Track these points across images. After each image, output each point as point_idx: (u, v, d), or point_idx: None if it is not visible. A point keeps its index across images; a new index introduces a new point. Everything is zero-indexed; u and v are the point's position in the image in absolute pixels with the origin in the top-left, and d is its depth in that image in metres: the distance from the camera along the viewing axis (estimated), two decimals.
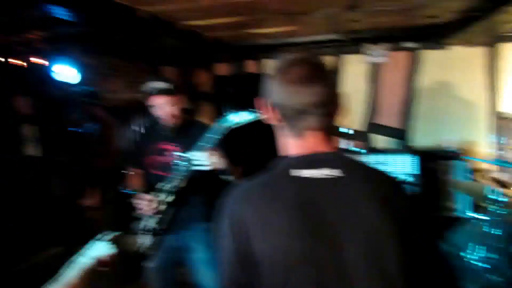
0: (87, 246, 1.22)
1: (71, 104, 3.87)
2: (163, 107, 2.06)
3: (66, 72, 3.94)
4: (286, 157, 0.96)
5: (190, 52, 4.83)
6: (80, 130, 3.52)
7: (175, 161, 2.07)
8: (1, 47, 3.59)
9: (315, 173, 0.88)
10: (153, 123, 2.29)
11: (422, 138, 4.46)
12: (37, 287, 3.04)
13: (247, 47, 4.78)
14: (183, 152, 2.07)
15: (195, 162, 1.91)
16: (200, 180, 2.14)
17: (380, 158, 3.87)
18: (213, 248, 2.11)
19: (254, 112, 1.80)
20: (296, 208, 0.85)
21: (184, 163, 1.99)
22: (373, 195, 0.87)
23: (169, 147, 2.18)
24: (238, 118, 1.85)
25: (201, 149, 1.90)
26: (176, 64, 5.57)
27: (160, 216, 2.13)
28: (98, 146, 3.36)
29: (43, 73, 3.89)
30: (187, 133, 2.16)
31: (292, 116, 0.93)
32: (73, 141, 3.81)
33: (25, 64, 3.75)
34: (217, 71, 5.43)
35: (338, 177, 0.88)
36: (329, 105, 0.93)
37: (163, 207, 2.11)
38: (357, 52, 4.60)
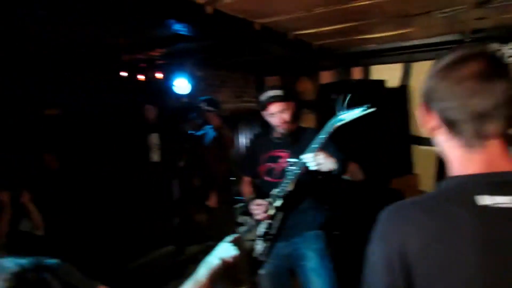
0: (216, 247, 1.28)
1: (190, 110, 4.20)
2: (278, 114, 2.11)
3: (181, 84, 4.26)
4: (458, 176, 0.78)
5: (295, 61, 4.86)
6: (198, 133, 3.76)
7: (288, 167, 2.11)
8: (128, 65, 4.04)
9: (506, 201, 0.69)
10: (265, 131, 2.37)
11: None
12: (149, 283, 3.33)
13: (353, 54, 4.63)
14: (298, 158, 2.09)
15: (305, 164, 1.91)
16: (309, 184, 2.17)
17: None
18: (324, 256, 2.15)
19: (364, 108, 1.77)
20: (480, 248, 0.68)
21: (295, 167, 2.00)
22: None
23: (282, 153, 2.22)
24: (348, 115, 1.82)
25: (311, 150, 1.89)
26: (281, 73, 5.67)
27: (270, 221, 2.17)
28: (215, 152, 3.55)
29: (162, 86, 4.27)
30: (299, 139, 2.19)
31: (465, 122, 0.76)
32: (192, 147, 4.11)
33: (147, 78, 4.15)
34: (322, 79, 5.36)
35: None
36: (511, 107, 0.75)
37: (273, 212, 2.14)
38: None
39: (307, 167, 1.90)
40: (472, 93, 0.74)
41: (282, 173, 2.16)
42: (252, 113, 5.70)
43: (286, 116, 2.12)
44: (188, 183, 4.37)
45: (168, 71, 4.35)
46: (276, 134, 2.25)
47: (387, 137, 4.14)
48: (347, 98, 1.80)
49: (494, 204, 0.70)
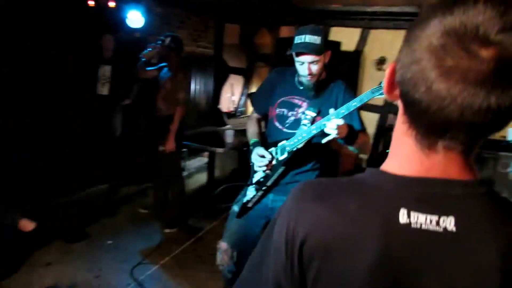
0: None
1: (143, 46, 3.93)
2: (308, 65, 1.88)
3: (135, 17, 3.99)
4: (394, 176, 0.60)
5: (258, 11, 4.72)
6: (153, 68, 3.54)
7: (305, 120, 1.96)
8: None
9: (431, 221, 0.56)
10: (288, 71, 2.11)
11: None
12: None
13: (316, 12, 4.58)
14: (316, 112, 1.95)
15: (327, 128, 1.73)
16: (318, 146, 2.00)
17: None
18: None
19: None
20: (382, 266, 0.57)
21: (314, 127, 1.84)
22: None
23: (301, 102, 2.04)
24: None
25: (338, 115, 1.73)
26: (242, 22, 5.49)
27: (268, 172, 2.05)
28: (168, 93, 3.38)
29: (114, 16, 3.97)
30: (322, 91, 2.02)
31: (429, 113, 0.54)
32: (143, 85, 3.92)
33: (97, 4, 3.83)
34: (281, 34, 5.28)
35: (452, 232, 0.55)
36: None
37: (274, 163, 2.02)
38: None
39: (328, 132, 1.75)
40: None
41: (295, 123, 2.02)
42: (207, 59, 5.54)
43: (316, 68, 1.91)
44: (134, 122, 4.22)
45: (121, 1, 4.03)
46: (300, 81, 2.03)
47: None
48: (386, 61, 1.71)
49: (416, 224, 0.56)
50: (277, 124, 2.06)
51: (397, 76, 0.57)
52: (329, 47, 1.93)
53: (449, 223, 0.55)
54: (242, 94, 5.92)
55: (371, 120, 4.84)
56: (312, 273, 0.62)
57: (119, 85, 3.75)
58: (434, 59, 0.50)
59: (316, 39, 1.84)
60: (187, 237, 3.38)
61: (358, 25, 4.70)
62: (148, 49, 3.40)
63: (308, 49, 1.83)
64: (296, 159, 1.98)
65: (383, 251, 0.57)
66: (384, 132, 4.80)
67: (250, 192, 2.12)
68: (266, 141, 2.10)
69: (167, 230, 3.47)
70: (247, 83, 5.81)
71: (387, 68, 0.61)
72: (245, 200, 2.12)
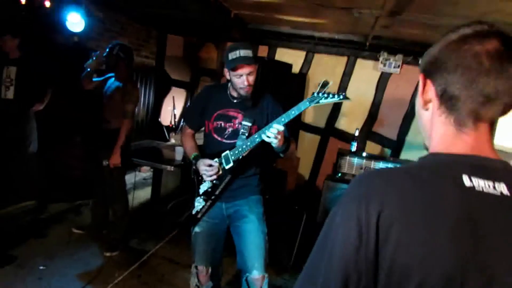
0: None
1: (81, 51, 3.64)
2: (246, 76, 2.04)
3: (74, 20, 3.71)
4: (442, 154, 0.75)
5: (204, 25, 4.67)
6: (99, 79, 3.29)
7: (243, 130, 2.12)
8: None
9: (489, 186, 0.68)
10: (219, 85, 2.27)
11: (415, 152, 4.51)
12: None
13: (265, 32, 4.68)
14: (252, 122, 2.12)
15: (268, 135, 1.90)
16: (259, 153, 2.18)
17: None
18: (263, 220, 2.20)
19: (341, 96, 1.84)
20: (459, 223, 0.66)
21: (256, 135, 1.98)
22: None
23: (237, 114, 2.18)
24: (325, 99, 1.86)
25: (279, 123, 1.89)
26: (186, 34, 5.40)
27: (215, 181, 2.17)
28: (116, 105, 3.15)
29: (53, 18, 3.66)
30: (256, 104, 2.19)
31: (466, 100, 0.73)
32: (84, 96, 3.61)
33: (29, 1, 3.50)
34: None
35: (507, 196, 0.68)
36: None
37: (220, 173, 2.14)
38: (372, 58, 4.60)
39: (270, 138, 1.92)
40: (484, 70, 0.70)
41: (234, 134, 2.16)
42: (148, 70, 5.35)
43: (252, 79, 2.08)
44: (64, 133, 3.86)
45: (59, 1, 3.73)
46: (232, 92, 2.18)
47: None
48: (328, 84, 1.86)
49: (479, 187, 0.68)
50: (216, 136, 2.19)
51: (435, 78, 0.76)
52: (258, 61, 2.16)
53: (503, 188, 0.68)
54: (184, 108, 5.79)
55: (312, 141, 5.03)
56: (390, 246, 0.66)
57: (26, 88, 3.34)
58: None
59: (249, 53, 2.01)
60: (130, 260, 3.17)
61: (304, 48, 4.90)
62: (93, 58, 3.18)
63: (247, 60, 1.99)
64: (240, 166, 2.15)
65: (458, 207, 0.66)
66: (322, 154, 5.02)
67: (198, 203, 2.22)
68: (205, 154, 2.24)
69: (107, 254, 3.22)
70: (190, 97, 5.70)
71: (420, 82, 0.80)
72: (194, 211, 2.22)
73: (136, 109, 4.28)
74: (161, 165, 3.54)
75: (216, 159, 2.14)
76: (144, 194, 4.74)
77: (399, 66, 4.49)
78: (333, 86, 4.84)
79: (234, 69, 2.02)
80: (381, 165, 3.83)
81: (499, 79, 0.70)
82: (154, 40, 5.46)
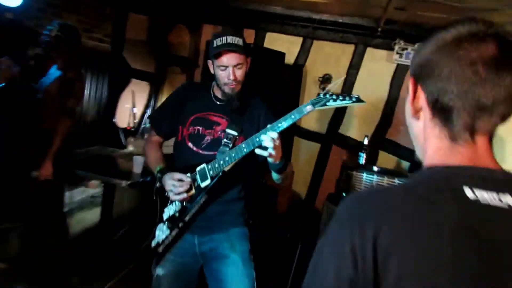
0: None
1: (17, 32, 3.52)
2: (232, 68, 2.04)
3: None
4: (439, 167, 0.83)
5: (175, 1, 4.60)
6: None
7: (226, 140, 2.10)
8: None
9: (494, 198, 0.75)
10: (199, 85, 2.30)
11: None
12: None
13: (250, 12, 4.64)
14: (238, 131, 2.11)
15: (260, 143, 1.87)
16: (249, 168, 2.17)
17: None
18: (249, 261, 2.15)
19: (353, 99, 1.81)
20: (466, 238, 0.72)
21: (244, 144, 1.94)
22: None
23: (220, 120, 2.17)
24: (332, 102, 1.83)
25: (274, 129, 1.85)
26: (151, 13, 5.32)
27: (186, 204, 2.09)
28: (54, 100, 3.07)
29: None
30: (245, 109, 2.18)
31: (460, 111, 0.81)
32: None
33: None
34: (204, 34, 5.29)
35: None
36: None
37: (193, 192, 2.07)
38: (386, 47, 4.57)
39: (257, 148, 1.88)
40: (479, 80, 0.78)
41: (214, 144, 2.13)
42: (102, 56, 5.24)
43: (241, 74, 2.07)
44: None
45: None
46: (216, 93, 2.18)
47: None
48: (339, 82, 1.85)
49: (484, 200, 0.75)
50: (190, 145, 2.16)
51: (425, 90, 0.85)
52: (250, 54, 2.15)
53: (509, 200, 0.75)
54: (147, 107, 5.69)
55: (311, 151, 4.97)
56: (391, 279, 0.71)
57: None
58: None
59: (238, 40, 2.02)
60: None
61: (300, 33, 4.87)
62: None
63: (233, 47, 1.99)
64: (220, 185, 2.07)
65: (463, 224, 0.73)
66: (323, 167, 4.96)
67: (161, 232, 2.14)
68: (175, 168, 2.16)
69: None
70: (155, 92, 5.62)
71: (410, 86, 0.89)
72: (153, 243, 2.13)
73: (81, 106, 4.14)
74: (115, 180, 3.45)
75: (189, 174, 2.06)
76: (91, 216, 4.62)
77: None
78: (337, 80, 4.81)
79: (217, 56, 2.01)
80: (396, 182, 3.77)
81: (495, 88, 0.78)
82: (110, 20, 5.36)
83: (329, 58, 4.85)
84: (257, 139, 1.88)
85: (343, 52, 4.80)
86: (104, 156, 3.98)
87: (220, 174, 2.01)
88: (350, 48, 4.77)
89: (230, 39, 1.99)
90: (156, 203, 2.19)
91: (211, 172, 2.02)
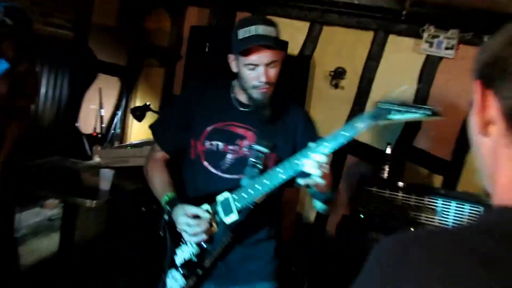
0: None
1: None
2: (264, 68, 1.94)
3: None
4: None
5: None
6: None
7: (254, 160, 2.00)
8: None
9: None
10: (216, 86, 2.20)
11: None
12: None
13: None
14: (270, 148, 2.00)
15: (306, 170, 1.74)
16: (276, 201, 2.11)
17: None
18: None
19: (428, 110, 1.69)
20: None
21: (280, 168, 1.83)
22: None
23: (246, 132, 2.08)
24: (400, 115, 1.71)
25: (320, 150, 1.75)
26: None
27: (206, 246, 1.99)
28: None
29: None
30: (277, 114, 2.09)
31: None
32: None
33: None
34: (189, 19, 5.31)
35: None
36: None
37: (215, 230, 1.96)
38: (412, 34, 4.59)
39: (300, 174, 1.76)
40: None
41: (238, 164, 2.04)
42: (62, 46, 5.25)
43: (274, 73, 1.99)
44: None
45: None
46: (240, 96, 2.10)
47: None
48: (404, 89, 1.75)
49: None
50: (207, 165, 2.08)
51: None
52: (285, 47, 2.05)
53: None
54: (118, 108, 5.70)
55: None
56: None
57: None
58: None
59: (271, 31, 1.94)
60: None
61: (306, 17, 4.89)
62: None
63: (267, 40, 1.90)
64: (249, 221, 1.99)
65: None
66: (336, 182, 4.95)
67: (173, 281, 2.04)
68: (186, 196, 2.11)
69: None
70: (127, 90, 5.63)
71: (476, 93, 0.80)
72: None
73: (35, 107, 4.15)
74: (77, 198, 3.41)
75: (208, 206, 1.96)
76: (48, 243, 4.59)
77: (453, 46, 4.48)
78: (352, 74, 4.84)
79: (245, 53, 1.92)
80: (426, 201, 3.77)
81: None
82: (72, 3, 5.38)
83: (342, 47, 4.86)
84: (298, 163, 1.77)
85: (359, 41, 4.81)
86: (64, 169, 3.96)
87: (250, 206, 1.93)
88: (369, 36, 4.79)
89: (262, 29, 1.91)
90: (164, 241, 2.11)
91: (237, 205, 1.90)
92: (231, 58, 2.01)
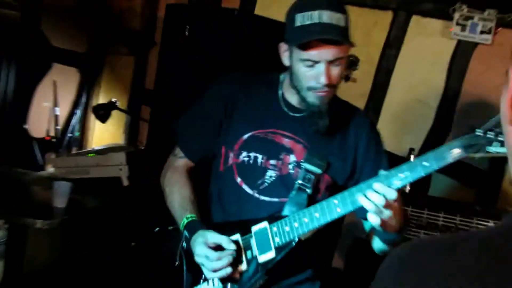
0: None
1: None
2: (327, 66, 1.90)
3: None
4: None
5: None
6: None
7: (302, 182, 1.97)
8: None
9: None
10: (259, 80, 2.19)
11: None
12: None
13: None
14: (323, 167, 1.97)
15: (369, 208, 1.73)
16: (321, 236, 2.05)
17: None
18: None
19: None
20: None
21: (336, 199, 1.82)
22: None
23: (294, 144, 2.06)
24: (502, 148, 1.68)
25: (387, 184, 1.80)
26: None
27: (230, 285, 1.95)
28: None
29: None
30: (335, 123, 2.04)
31: None
32: None
33: None
34: None
35: None
36: None
37: (244, 268, 1.92)
38: (441, 15, 4.61)
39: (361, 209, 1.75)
40: None
41: (281, 185, 2.03)
42: (9, 30, 5.25)
43: (338, 72, 1.95)
44: None
45: None
46: (289, 96, 2.07)
47: None
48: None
49: None
50: (240, 182, 2.07)
51: None
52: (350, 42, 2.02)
53: None
54: (76, 106, 5.70)
55: None
56: None
57: None
58: None
59: (339, 19, 1.89)
60: None
61: None
62: None
63: (334, 34, 1.86)
64: (289, 260, 1.93)
65: None
66: None
67: None
68: (210, 218, 2.09)
69: None
70: (89, 84, 5.63)
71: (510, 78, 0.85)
72: None
73: None
74: (25, 218, 3.44)
75: (239, 237, 1.93)
76: None
77: (490, 30, 4.51)
78: (367, 64, 4.85)
79: (304, 46, 1.88)
80: (457, 221, 3.78)
81: None
82: None
83: (354, 32, 4.80)
84: (358, 196, 1.76)
85: (375, 23, 4.85)
86: (9, 182, 3.97)
87: (293, 244, 1.89)
88: (387, 17, 4.82)
89: (327, 16, 1.85)
90: (178, 272, 2.08)
91: (277, 240, 1.88)
92: (283, 47, 1.99)
